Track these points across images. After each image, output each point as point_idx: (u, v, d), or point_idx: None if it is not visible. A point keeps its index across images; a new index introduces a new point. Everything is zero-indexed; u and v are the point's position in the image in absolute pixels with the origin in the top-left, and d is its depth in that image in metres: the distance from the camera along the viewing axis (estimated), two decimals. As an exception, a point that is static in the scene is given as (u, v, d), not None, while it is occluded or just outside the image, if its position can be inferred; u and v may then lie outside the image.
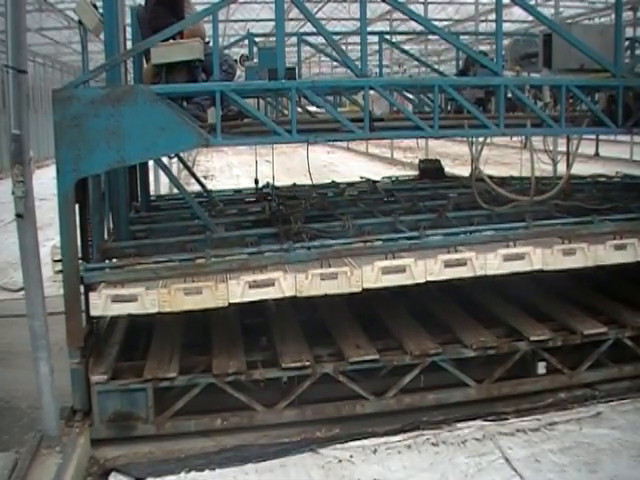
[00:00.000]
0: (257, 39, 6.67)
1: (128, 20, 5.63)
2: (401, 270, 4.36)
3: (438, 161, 7.71)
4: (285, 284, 4.17)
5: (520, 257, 4.61)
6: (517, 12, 22.68)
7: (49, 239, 9.55)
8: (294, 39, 7.82)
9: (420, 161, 8.08)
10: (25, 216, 3.70)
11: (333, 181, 7.34)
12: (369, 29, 5.74)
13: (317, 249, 4.39)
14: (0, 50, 15.67)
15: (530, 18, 22.73)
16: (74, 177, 3.97)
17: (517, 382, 4.70)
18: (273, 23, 4.52)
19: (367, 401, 4.43)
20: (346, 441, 4.15)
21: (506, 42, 6.57)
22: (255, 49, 5.98)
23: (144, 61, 5.31)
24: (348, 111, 6.24)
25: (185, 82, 4.70)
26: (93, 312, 4.08)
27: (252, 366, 4.37)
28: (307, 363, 4.31)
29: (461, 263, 4.47)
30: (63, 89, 4.05)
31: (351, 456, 4.00)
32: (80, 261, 4.15)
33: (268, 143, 5.04)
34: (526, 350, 4.70)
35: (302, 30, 16.45)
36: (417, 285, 5.87)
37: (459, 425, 4.30)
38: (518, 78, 5.34)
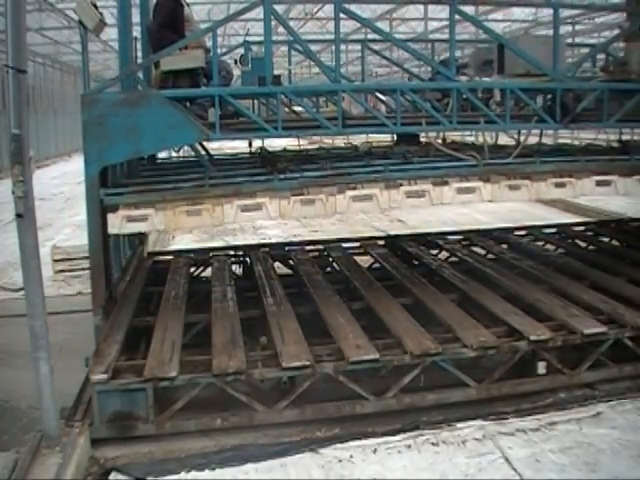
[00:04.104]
0: (253, 47, 7.08)
1: (134, 19, 6.46)
2: (368, 199, 5.11)
3: None
4: (271, 208, 4.94)
5: (472, 191, 5.33)
6: (517, 12, 22.74)
7: (49, 239, 9.57)
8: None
9: None
10: (25, 216, 3.70)
11: (320, 146, 8.13)
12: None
13: (297, 180, 5.08)
14: (0, 50, 15.66)
15: (530, 18, 22.80)
16: (99, 166, 4.61)
17: (517, 382, 4.71)
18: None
19: (367, 401, 4.43)
20: (346, 441, 4.15)
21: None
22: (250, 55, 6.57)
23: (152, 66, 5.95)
24: (329, 111, 6.83)
25: (189, 87, 5.40)
26: (111, 230, 4.72)
27: (252, 366, 4.37)
28: (307, 363, 4.32)
29: (420, 195, 5.22)
30: (90, 93, 4.67)
31: (351, 456, 4.00)
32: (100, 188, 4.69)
33: (259, 138, 5.93)
34: (526, 350, 4.71)
35: (301, 30, 16.62)
36: (415, 284, 5.94)
37: (459, 425, 4.31)
38: (469, 82, 5.97)
